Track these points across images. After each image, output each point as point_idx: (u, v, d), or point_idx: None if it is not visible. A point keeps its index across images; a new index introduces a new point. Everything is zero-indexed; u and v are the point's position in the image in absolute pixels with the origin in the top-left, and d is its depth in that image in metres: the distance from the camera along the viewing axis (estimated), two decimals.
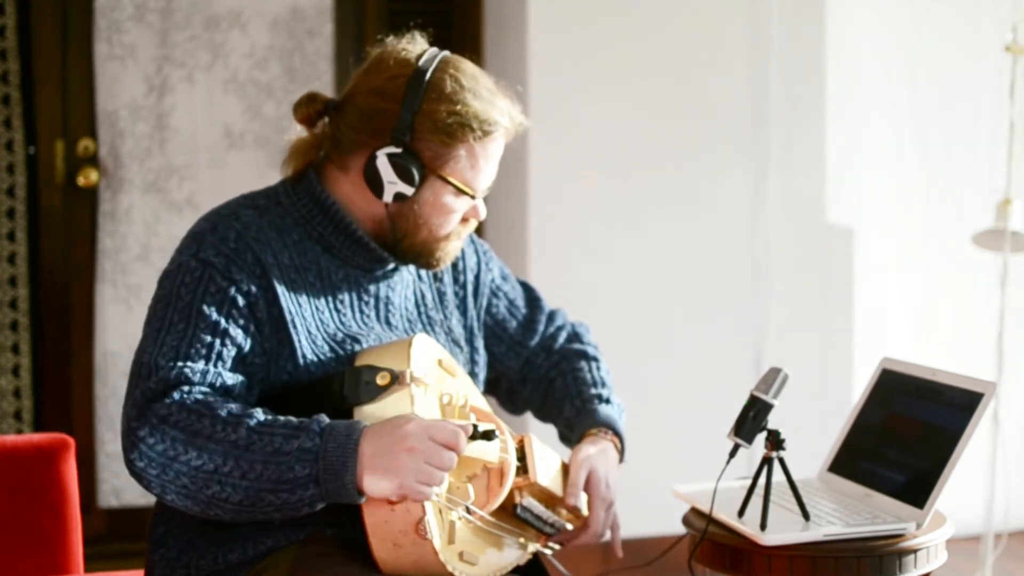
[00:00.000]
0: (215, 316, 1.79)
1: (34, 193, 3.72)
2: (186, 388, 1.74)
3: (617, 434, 2.11)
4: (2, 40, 3.66)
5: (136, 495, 3.79)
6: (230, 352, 1.79)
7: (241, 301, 1.81)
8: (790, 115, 3.81)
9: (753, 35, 3.77)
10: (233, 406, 1.73)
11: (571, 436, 2.14)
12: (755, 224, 3.80)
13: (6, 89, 3.67)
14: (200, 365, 1.76)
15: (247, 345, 1.80)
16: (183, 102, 3.79)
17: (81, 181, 3.71)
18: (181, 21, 3.77)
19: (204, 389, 1.75)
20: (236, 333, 1.80)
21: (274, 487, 1.69)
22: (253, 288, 1.82)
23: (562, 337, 2.24)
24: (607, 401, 2.15)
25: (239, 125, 3.83)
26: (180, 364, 1.76)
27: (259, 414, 1.72)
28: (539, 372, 2.21)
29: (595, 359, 2.22)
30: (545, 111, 3.55)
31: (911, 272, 4.05)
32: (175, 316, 1.80)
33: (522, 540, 1.95)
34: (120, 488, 3.79)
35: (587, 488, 2.02)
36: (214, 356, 1.78)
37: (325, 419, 1.73)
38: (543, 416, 2.23)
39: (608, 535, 2.09)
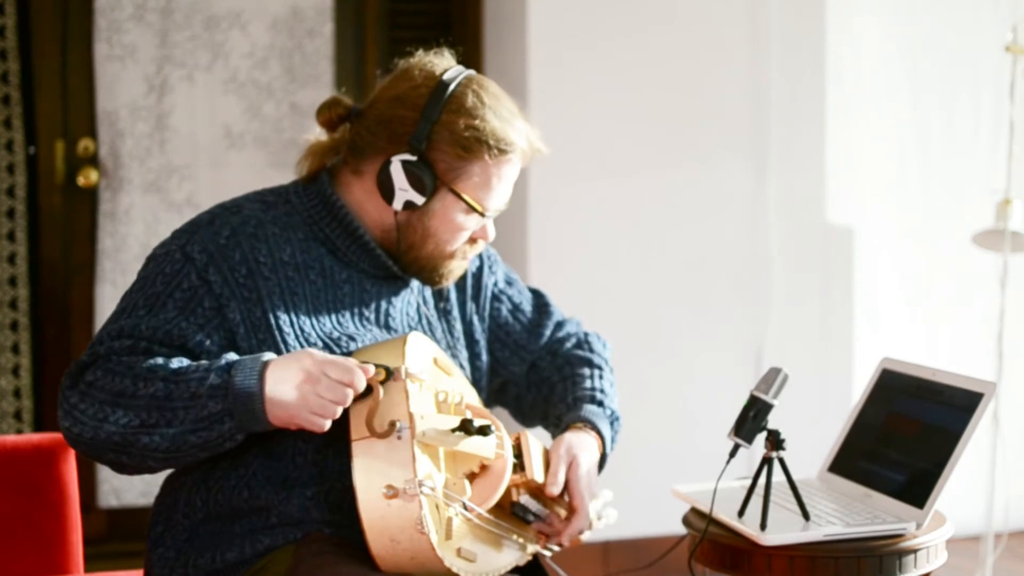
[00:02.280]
0: (174, 312, 1.84)
1: (34, 193, 3.72)
2: (114, 357, 1.80)
3: (600, 436, 2.07)
4: (2, 40, 3.66)
5: (136, 495, 3.79)
6: (172, 342, 1.83)
7: (208, 303, 1.85)
8: (790, 115, 3.81)
9: (753, 35, 3.77)
10: (153, 361, 1.78)
11: (556, 432, 2.10)
12: (755, 224, 3.80)
13: (6, 89, 3.67)
14: (131, 341, 1.82)
15: (193, 339, 1.83)
16: (183, 102, 3.79)
17: (81, 181, 3.71)
18: (181, 21, 3.77)
19: (130, 357, 1.80)
20: (186, 327, 1.83)
21: (194, 427, 1.75)
22: (227, 290, 1.85)
23: (570, 343, 2.22)
24: (599, 404, 2.12)
25: (239, 125, 3.83)
26: (119, 342, 1.82)
27: (174, 363, 1.78)
28: (542, 375, 2.19)
29: (599, 367, 2.18)
30: (545, 111, 3.55)
31: (911, 272, 4.05)
32: (140, 300, 1.85)
33: (520, 540, 1.95)
34: (120, 488, 3.79)
35: (569, 473, 1.97)
36: (154, 338, 1.83)
37: (233, 356, 1.79)
38: (546, 425, 2.19)
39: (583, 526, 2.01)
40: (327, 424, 1.75)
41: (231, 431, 1.76)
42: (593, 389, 2.13)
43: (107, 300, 3.77)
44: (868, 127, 3.97)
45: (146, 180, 3.78)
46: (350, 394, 1.74)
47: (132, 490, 3.78)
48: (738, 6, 3.76)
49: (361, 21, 3.90)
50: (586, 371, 2.16)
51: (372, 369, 1.77)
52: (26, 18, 3.68)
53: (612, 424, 2.11)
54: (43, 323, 3.74)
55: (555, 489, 1.95)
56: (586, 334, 2.24)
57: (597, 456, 2.05)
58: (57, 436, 2.23)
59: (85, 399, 1.78)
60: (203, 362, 1.78)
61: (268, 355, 1.77)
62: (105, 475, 3.78)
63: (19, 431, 3.68)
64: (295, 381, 1.73)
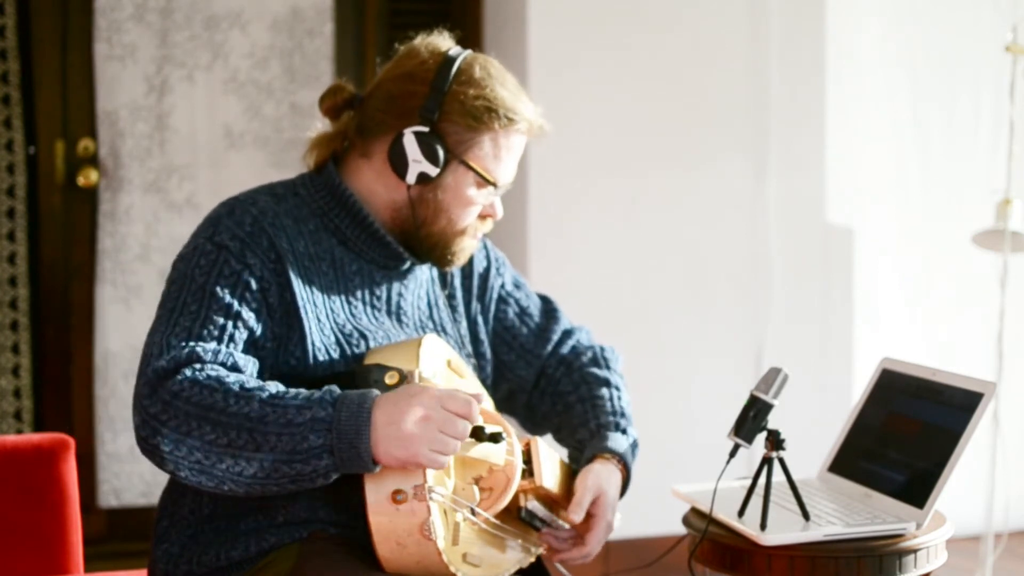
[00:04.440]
0: (228, 299, 1.80)
1: (34, 193, 3.72)
2: (197, 365, 1.73)
3: (625, 466, 2.06)
4: (2, 40, 3.66)
5: (136, 495, 3.79)
6: (242, 335, 1.79)
7: (254, 285, 1.82)
8: (790, 115, 3.81)
9: (753, 35, 3.77)
10: (244, 379, 1.72)
11: (580, 458, 2.09)
12: (755, 224, 3.80)
13: (6, 89, 3.67)
14: (212, 345, 1.76)
15: (259, 329, 1.81)
16: (183, 102, 3.79)
17: (81, 181, 3.71)
18: (181, 21, 3.77)
19: (216, 366, 1.75)
20: (248, 316, 1.80)
21: (288, 458, 1.68)
22: (266, 273, 1.83)
23: (586, 357, 2.20)
24: (623, 431, 2.11)
25: (239, 125, 3.83)
26: (192, 344, 1.76)
27: (271, 387, 1.72)
28: (557, 388, 2.18)
29: (617, 387, 2.17)
30: (545, 111, 3.55)
31: (911, 272, 4.05)
32: (188, 298, 1.80)
33: (526, 544, 1.95)
34: (120, 488, 3.79)
35: (593, 508, 1.99)
36: (226, 337, 1.78)
37: (337, 389, 1.72)
38: (559, 438, 2.19)
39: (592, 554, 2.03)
40: (448, 461, 1.71)
41: (327, 468, 1.69)
42: (615, 413, 2.12)
43: (107, 300, 3.77)
44: (868, 127, 3.97)
45: (146, 180, 3.78)
46: (468, 428, 1.71)
47: (132, 490, 3.78)
48: (738, 6, 3.76)
49: (361, 21, 3.90)
50: (605, 392, 2.15)
51: (484, 397, 1.73)
52: (26, 18, 3.68)
53: (633, 450, 2.11)
54: (43, 323, 3.74)
55: (577, 517, 1.95)
56: (602, 348, 2.23)
57: (619, 488, 2.05)
58: (57, 436, 2.23)
59: (168, 409, 1.70)
60: (303, 391, 1.72)
61: (374, 392, 1.72)
62: (105, 475, 3.78)
63: (19, 431, 3.69)
64: (413, 418, 1.68)
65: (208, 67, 3.79)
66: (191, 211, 3.76)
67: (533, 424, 2.22)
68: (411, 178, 1.91)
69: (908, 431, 2.00)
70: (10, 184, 3.68)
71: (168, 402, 1.70)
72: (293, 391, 1.72)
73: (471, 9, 3.89)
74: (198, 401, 1.69)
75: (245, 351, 1.79)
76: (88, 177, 3.71)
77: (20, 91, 3.68)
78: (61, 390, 3.76)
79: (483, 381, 2.11)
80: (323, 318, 1.88)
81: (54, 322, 3.75)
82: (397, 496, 1.72)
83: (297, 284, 1.86)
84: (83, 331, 3.76)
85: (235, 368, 1.77)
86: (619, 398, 2.15)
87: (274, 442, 1.68)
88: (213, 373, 1.72)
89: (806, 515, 1.90)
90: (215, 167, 3.82)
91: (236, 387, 1.70)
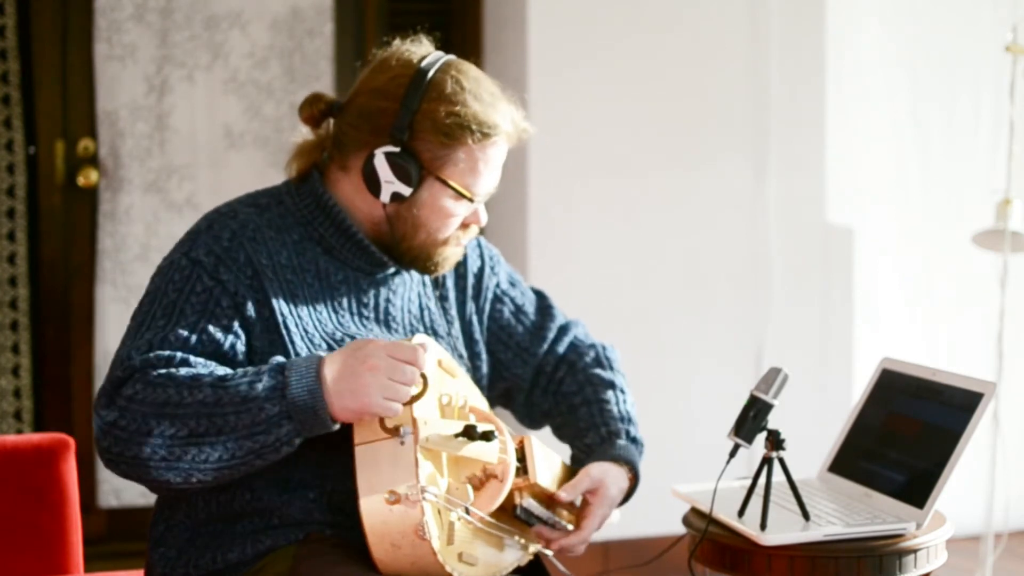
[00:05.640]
0: (195, 316, 1.81)
1: (34, 193, 3.72)
2: (151, 371, 1.75)
3: (634, 476, 2.06)
4: (2, 40, 3.66)
5: (136, 495, 3.79)
6: (206, 349, 1.80)
7: (225, 302, 1.82)
8: (790, 115, 3.81)
9: (753, 35, 3.77)
10: (192, 369, 1.74)
11: (586, 461, 2.07)
12: (755, 224, 3.80)
13: (6, 89, 3.67)
14: (168, 352, 1.77)
15: (226, 342, 1.81)
16: (183, 102, 3.79)
17: (81, 181, 3.71)
18: (181, 21, 3.77)
19: (168, 369, 1.75)
20: (215, 331, 1.81)
21: (249, 433, 1.71)
22: (240, 289, 1.83)
23: (589, 357, 2.18)
24: (633, 439, 2.10)
25: (239, 125, 3.83)
26: (150, 354, 1.77)
27: (218, 370, 1.75)
28: (560, 388, 2.16)
29: (622, 390, 2.16)
30: (545, 111, 3.55)
31: (911, 272, 4.05)
32: (158, 312, 1.82)
33: (523, 541, 1.95)
34: (120, 488, 3.79)
35: (590, 497, 1.99)
36: (188, 348, 1.79)
37: (280, 358, 1.76)
38: (561, 437, 2.18)
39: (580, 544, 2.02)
40: (399, 409, 1.72)
41: (289, 434, 1.72)
42: (623, 420, 2.12)
43: (107, 300, 3.77)
44: (868, 127, 3.97)
45: (146, 180, 3.78)
46: (417, 374, 1.73)
47: (132, 490, 3.78)
48: (738, 7, 3.76)
49: (361, 21, 3.90)
50: (611, 395, 2.14)
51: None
52: (26, 18, 3.68)
53: (640, 456, 2.10)
54: (43, 323, 3.74)
55: (566, 496, 1.95)
56: (603, 347, 2.22)
57: (623, 493, 2.04)
58: (57, 436, 2.23)
59: (125, 415, 1.72)
60: (250, 367, 1.75)
61: (319, 353, 1.76)
62: (105, 475, 3.78)
63: (19, 431, 3.69)
64: (360, 371, 1.70)
65: (208, 67, 3.79)
66: (191, 211, 3.76)
67: (531, 421, 2.22)
68: (385, 197, 1.90)
69: (908, 431, 2.00)
70: (10, 184, 3.68)
71: (124, 407, 1.72)
72: (241, 370, 1.74)
73: (471, 9, 3.89)
74: (152, 400, 1.72)
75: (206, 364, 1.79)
76: (88, 177, 3.71)
77: (20, 91, 3.68)
78: (61, 390, 3.76)
79: (478, 381, 2.10)
80: (311, 329, 1.88)
81: (54, 322, 3.75)
82: (390, 498, 1.72)
83: (276, 300, 1.86)
84: (83, 331, 3.76)
85: (183, 364, 1.77)
86: (625, 401, 2.15)
87: (233, 421, 1.70)
88: (164, 372, 1.74)
89: (806, 515, 1.90)
90: (215, 167, 3.82)
91: (186, 378, 1.72)
